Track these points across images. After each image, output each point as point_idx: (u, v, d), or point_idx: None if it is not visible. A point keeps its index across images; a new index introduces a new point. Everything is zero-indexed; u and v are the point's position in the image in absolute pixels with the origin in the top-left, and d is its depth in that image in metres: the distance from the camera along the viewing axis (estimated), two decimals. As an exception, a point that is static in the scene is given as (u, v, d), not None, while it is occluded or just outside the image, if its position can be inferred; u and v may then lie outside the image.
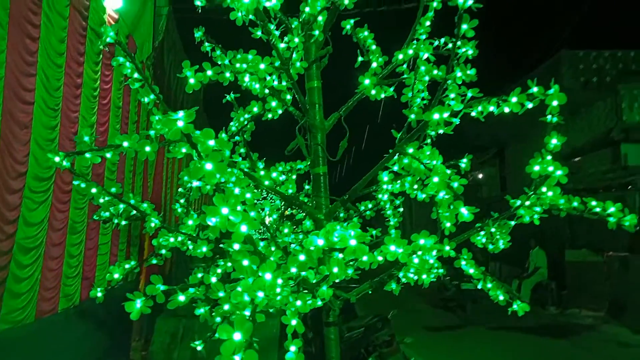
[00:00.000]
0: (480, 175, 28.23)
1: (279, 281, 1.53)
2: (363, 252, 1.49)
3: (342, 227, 1.54)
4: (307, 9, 2.47)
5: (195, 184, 1.54)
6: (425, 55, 2.55)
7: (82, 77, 7.48)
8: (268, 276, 1.49)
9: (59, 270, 7.02)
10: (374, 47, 3.04)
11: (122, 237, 9.83)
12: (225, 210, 1.46)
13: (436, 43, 3.01)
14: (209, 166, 1.43)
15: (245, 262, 1.58)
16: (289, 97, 2.99)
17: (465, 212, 1.97)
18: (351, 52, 3.18)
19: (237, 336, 1.29)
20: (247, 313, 1.47)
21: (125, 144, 2.05)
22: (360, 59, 3.07)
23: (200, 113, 19.02)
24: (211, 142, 1.46)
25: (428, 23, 2.87)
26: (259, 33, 2.51)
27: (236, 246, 1.57)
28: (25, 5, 5.66)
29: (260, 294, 1.43)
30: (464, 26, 2.00)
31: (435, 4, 2.85)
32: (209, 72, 2.24)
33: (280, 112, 3.06)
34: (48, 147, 6.21)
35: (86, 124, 7.80)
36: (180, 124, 1.37)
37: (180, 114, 1.39)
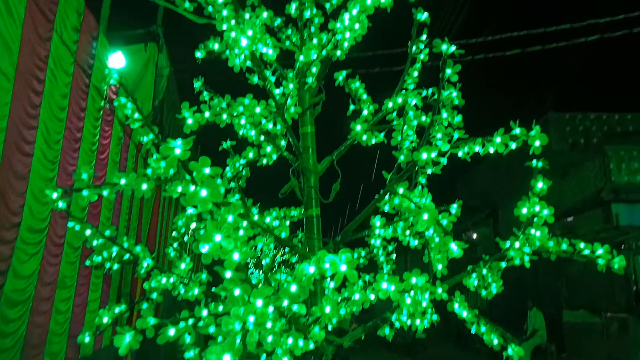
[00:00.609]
0: (475, 236, 28.21)
1: (270, 309, 1.53)
2: (353, 278, 1.51)
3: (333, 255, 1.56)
4: (301, 58, 2.62)
5: (190, 210, 1.57)
6: (414, 102, 2.68)
7: (81, 132, 7.64)
8: (259, 302, 1.49)
9: (46, 326, 6.82)
10: (365, 96, 3.18)
11: (112, 292, 9.62)
12: (218, 237, 1.49)
13: (424, 93, 3.16)
14: (203, 192, 1.48)
15: (237, 292, 1.59)
16: (283, 142, 3.09)
17: (455, 247, 2.00)
18: (343, 99, 3.33)
19: (227, 358, 1.28)
20: (238, 340, 1.47)
21: (123, 181, 2.10)
22: (352, 107, 3.21)
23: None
24: (207, 170, 1.51)
25: (416, 74, 3.03)
26: (255, 79, 2.64)
27: (228, 274, 1.59)
28: (32, 61, 5.90)
29: (252, 319, 1.44)
30: (448, 71, 2.13)
31: (422, 57, 3.02)
32: (207, 114, 2.34)
33: (275, 157, 3.14)
34: (44, 199, 6.24)
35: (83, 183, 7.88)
36: (177, 151, 1.44)
37: (178, 142, 1.45)
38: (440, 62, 2.11)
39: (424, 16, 2.94)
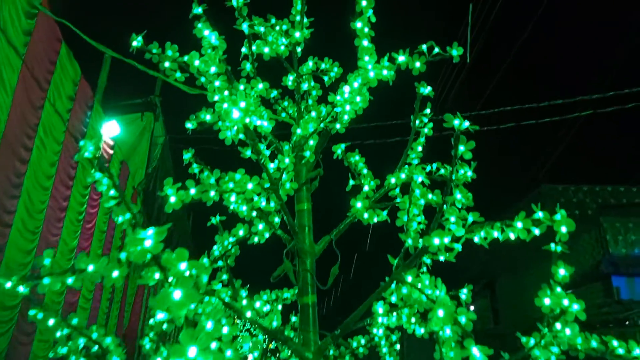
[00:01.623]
0: (472, 307, 27.29)
1: None
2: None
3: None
4: (298, 131, 2.44)
5: (161, 315, 1.28)
6: (420, 179, 2.47)
7: (68, 201, 7.39)
8: None
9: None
10: (365, 170, 2.98)
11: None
12: (192, 352, 1.20)
13: (428, 168, 2.96)
14: (177, 294, 1.20)
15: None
16: (277, 219, 2.84)
17: (477, 353, 1.70)
18: (343, 172, 3.13)
19: None
20: None
21: (91, 267, 1.82)
22: (351, 182, 2.99)
23: (187, 238, 18.74)
24: (182, 266, 1.24)
25: (420, 148, 2.85)
26: (248, 153, 2.44)
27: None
28: (21, 129, 5.75)
29: None
30: (461, 148, 1.93)
31: (426, 130, 2.86)
32: (192, 191, 2.10)
33: (267, 235, 2.88)
34: (20, 271, 5.84)
35: (66, 248, 7.51)
36: (147, 243, 1.18)
37: (150, 231, 1.20)
38: (453, 138, 1.92)
39: (427, 90, 2.81)
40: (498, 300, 23.14)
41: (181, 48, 2.67)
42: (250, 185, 2.27)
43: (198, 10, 2.68)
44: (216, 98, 2.22)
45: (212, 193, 2.16)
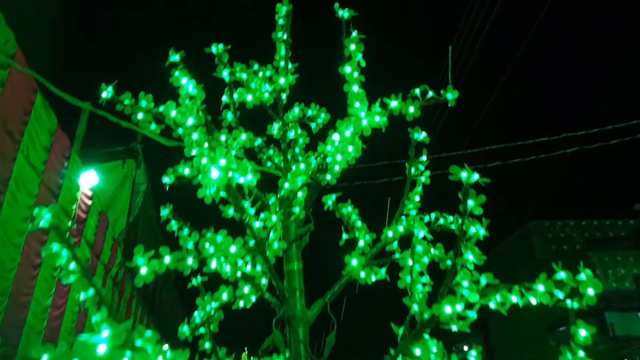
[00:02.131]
0: (465, 348, 26.71)
1: None
2: None
3: None
4: (286, 185, 2.22)
5: None
6: (422, 234, 2.25)
7: (41, 257, 6.97)
8: None
9: None
10: (359, 223, 2.76)
11: None
12: None
13: (427, 218, 2.76)
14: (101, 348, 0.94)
15: None
16: (264, 281, 2.57)
17: None
18: (335, 225, 2.90)
19: None
20: None
21: (45, 358, 1.53)
22: (344, 236, 2.76)
23: (170, 289, 18.05)
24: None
25: (417, 198, 2.65)
26: (230, 212, 2.21)
27: None
28: (-10, 184, 5.44)
29: None
30: (470, 202, 1.73)
31: (423, 179, 2.67)
32: (167, 259, 1.84)
33: (254, 299, 2.60)
34: (-16, 338, 5.39)
35: (39, 307, 7.03)
36: (101, 349, 0.92)
37: (105, 332, 0.94)
38: (462, 192, 1.72)
39: (421, 135, 2.64)
40: (492, 341, 22.62)
41: (160, 98, 2.48)
42: (233, 249, 2.02)
43: (175, 57, 2.51)
44: (194, 152, 2.00)
45: (190, 260, 1.90)
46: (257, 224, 2.19)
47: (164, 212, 2.92)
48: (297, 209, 2.23)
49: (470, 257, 1.83)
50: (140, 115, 2.33)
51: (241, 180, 1.78)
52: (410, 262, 2.34)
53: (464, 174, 1.67)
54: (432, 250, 2.37)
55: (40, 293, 7.01)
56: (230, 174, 1.86)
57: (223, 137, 2.53)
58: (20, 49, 5.83)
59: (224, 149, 1.53)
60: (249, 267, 2.15)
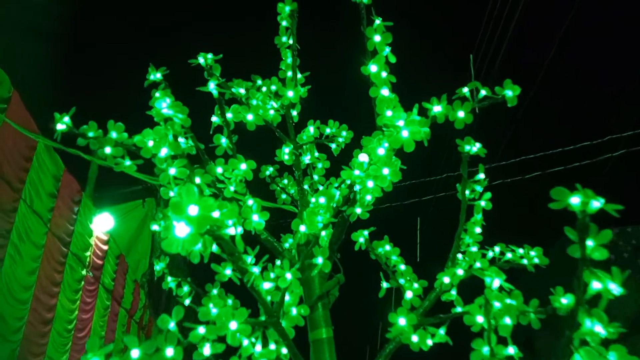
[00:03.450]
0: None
1: None
2: None
3: None
4: (302, 228, 1.63)
5: None
6: (497, 283, 1.61)
7: (53, 311, 6.49)
8: None
9: None
10: (402, 266, 2.13)
11: None
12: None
13: (490, 254, 2.13)
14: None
15: None
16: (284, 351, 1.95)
17: None
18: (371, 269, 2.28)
19: None
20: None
21: None
22: (384, 284, 2.14)
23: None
24: None
25: (478, 230, 2.02)
26: (227, 272, 1.62)
27: None
28: (-14, 239, 5.01)
29: None
30: (589, 243, 1.11)
31: (483, 204, 2.05)
32: (135, 354, 1.26)
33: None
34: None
35: (53, 366, 6.52)
36: None
37: None
38: (576, 229, 1.10)
39: (475, 148, 2.03)
40: (542, 362, 21.18)
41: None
42: (234, 325, 1.42)
43: (156, 76, 1.98)
44: (172, 194, 1.44)
45: (170, 352, 1.31)
46: (267, 285, 1.60)
47: (158, 266, 2.37)
48: (319, 259, 1.63)
49: (599, 329, 1.18)
50: (107, 150, 1.79)
51: (236, 231, 1.20)
52: (480, 319, 1.70)
53: (575, 200, 1.05)
54: (508, 300, 1.73)
55: (54, 350, 6.51)
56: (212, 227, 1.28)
57: (220, 170, 1.97)
58: (17, 93, 5.49)
59: (194, 192, 0.96)
60: (259, 348, 1.54)
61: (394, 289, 2.11)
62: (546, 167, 8.16)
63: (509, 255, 2.16)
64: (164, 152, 1.53)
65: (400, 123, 1.53)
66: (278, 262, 2.24)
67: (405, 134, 1.52)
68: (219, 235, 1.24)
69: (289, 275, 1.55)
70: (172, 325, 1.42)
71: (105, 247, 8.59)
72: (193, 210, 0.96)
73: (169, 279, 2.35)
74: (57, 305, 6.62)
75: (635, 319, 15.47)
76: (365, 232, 2.29)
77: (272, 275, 1.59)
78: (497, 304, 1.54)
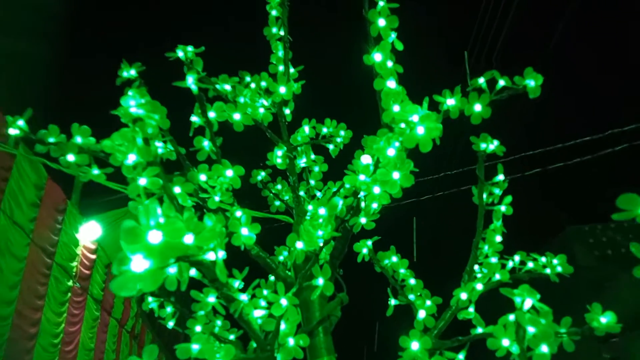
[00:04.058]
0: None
1: None
2: None
3: None
4: (299, 245, 1.38)
5: None
6: (529, 303, 1.37)
7: (38, 325, 6.19)
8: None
9: None
10: (412, 280, 1.90)
11: None
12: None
13: (510, 264, 1.90)
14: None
15: None
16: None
17: None
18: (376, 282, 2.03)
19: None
20: None
21: None
22: (392, 302, 1.90)
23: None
24: None
25: (499, 238, 1.79)
26: (211, 299, 1.37)
27: None
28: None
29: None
30: None
31: (503, 208, 1.81)
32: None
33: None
34: None
35: (39, 383, 6.21)
36: None
37: None
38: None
39: (492, 146, 1.80)
40: None
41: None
42: (220, 366, 1.17)
43: (130, 73, 1.73)
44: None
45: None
46: (258, 313, 1.36)
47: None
48: (320, 281, 1.38)
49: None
50: (70, 157, 1.54)
51: (211, 256, 0.96)
52: (506, 342, 1.47)
53: None
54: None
55: (39, 367, 6.21)
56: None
57: (203, 177, 1.72)
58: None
59: (156, 212, 0.71)
60: (251, 389, 1.30)
61: (404, 307, 1.87)
62: (546, 163, 7.97)
63: (530, 264, 1.93)
64: (132, 158, 1.29)
65: (415, 118, 1.29)
66: (272, 278, 2.00)
67: (420, 130, 1.28)
68: (196, 261, 0.99)
69: (284, 302, 1.30)
70: (145, 368, 1.17)
71: (93, 257, 8.29)
72: (155, 237, 0.72)
73: (150, 299, 2.09)
74: (41, 319, 6.32)
75: (634, 315, 15.36)
76: (369, 242, 2.05)
77: (262, 302, 1.35)
78: (531, 329, 1.30)
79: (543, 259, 1.94)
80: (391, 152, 1.32)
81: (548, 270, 1.93)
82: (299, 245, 1.36)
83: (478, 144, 1.83)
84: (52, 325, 6.70)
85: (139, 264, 0.71)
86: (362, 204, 1.58)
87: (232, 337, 1.83)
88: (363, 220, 1.61)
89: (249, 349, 1.84)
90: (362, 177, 1.41)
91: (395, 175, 1.38)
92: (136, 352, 11.18)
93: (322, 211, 1.44)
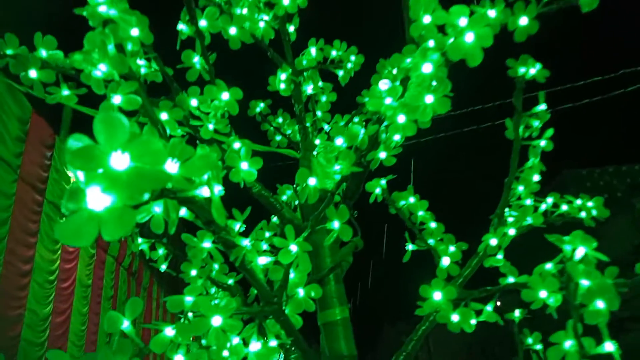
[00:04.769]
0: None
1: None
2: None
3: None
4: (312, 182, 1.15)
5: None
6: (581, 251, 1.17)
7: (32, 262, 6.09)
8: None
9: None
10: (433, 224, 1.69)
11: None
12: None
13: (543, 207, 1.70)
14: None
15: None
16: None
17: None
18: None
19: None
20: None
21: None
22: (410, 247, 1.71)
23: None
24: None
25: (536, 177, 1.57)
26: (206, 244, 1.16)
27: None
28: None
29: None
30: None
31: (543, 143, 1.58)
32: None
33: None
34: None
35: (37, 318, 6.21)
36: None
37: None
38: None
39: (533, 70, 1.53)
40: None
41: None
42: (217, 321, 0.98)
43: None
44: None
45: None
46: (263, 261, 1.15)
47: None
48: (336, 224, 1.17)
49: None
50: (33, 73, 1.27)
51: (205, 192, 0.73)
52: (543, 294, 1.30)
53: None
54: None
55: (35, 302, 6.18)
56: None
57: (194, 102, 1.46)
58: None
59: (123, 123, 0.47)
60: (255, 346, 1.11)
61: (423, 252, 1.68)
62: (555, 104, 7.66)
63: (564, 207, 1.73)
64: (101, 69, 1.02)
65: (463, 22, 1.02)
66: (275, 219, 1.79)
67: (469, 38, 1.01)
68: (185, 198, 0.76)
69: (294, 248, 1.09)
70: (126, 325, 0.97)
71: (86, 194, 8.09)
72: (119, 161, 0.48)
73: (139, 239, 1.90)
74: (35, 257, 6.21)
75: (628, 256, 15.65)
76: (383, 181, 1.83)
77: (264, 245, 1.14)
78: (584, 282, 1.11)
79: (578, 202, 1.74)
80: (428, 67, 1.06)
81: (583, 214, 1.74)
82: (312, 182, 1.13)
83: (516, 68, 1.56)
84: (46, 262, 6.61)
85: (97, 198, 0.48)
86: (384, 136, 1.34)
87: (230, 281, 1.66)
88: (382, 154, 1.37)
89: (250, 295, 1.66)
90: (388, 100, 1.16)
91: (429, 98, 1.13)
92: (134, 289, 11.31)
93: (339, 141, 1.21)
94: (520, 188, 1.58)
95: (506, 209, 1.60)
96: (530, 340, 1.75)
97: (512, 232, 1.50)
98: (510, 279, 1.49)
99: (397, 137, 1.35)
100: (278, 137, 2.24)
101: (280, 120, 2.24)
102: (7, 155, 5.50)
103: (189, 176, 0.67)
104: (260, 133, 2.30)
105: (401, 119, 1.25)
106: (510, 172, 1.56)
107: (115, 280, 10.18)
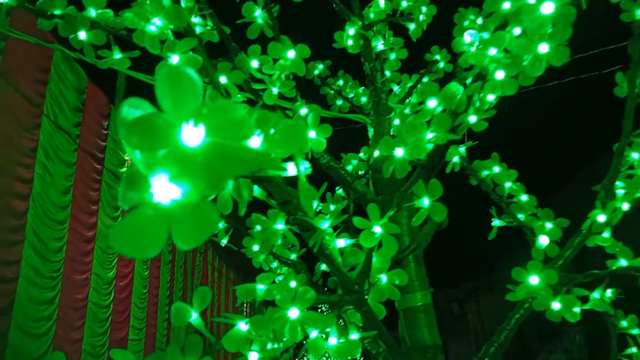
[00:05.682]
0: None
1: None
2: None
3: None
4: (399, 153, 0.98)
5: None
6: None
7: (95, 229, 6.33)
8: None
9: None
10: (524, 197, 1.49)
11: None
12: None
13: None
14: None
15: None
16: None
17: None
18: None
19: None
20: None
21: None
22: (496, 222, 1.52)
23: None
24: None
25: None
26: (279, 226, 1.02)
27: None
28: (9, 158, 4.63)
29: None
30: None
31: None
32: None
33: None
34: (37, 330, 4.83)
35: (101, 282, 6.51)
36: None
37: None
38: None
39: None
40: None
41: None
42: (294, 313, 0.86)
43: None
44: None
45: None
46: (341, 243, 1.01)
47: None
48: (425, 202, 1.00)
49: None
50: (82, 35, 1.15)
51: (290, 169, 0.58)
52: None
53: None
54: None
55: (100, 267, 6.46)
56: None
57: (255, 63, 1.31)
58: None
59: (195, 81, 0.33)
60: (333, 340, 0.99)
61: (511, 229, 1.49)
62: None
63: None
64: (156, 24, 0.88)
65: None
66: (339, 191, 1.64)
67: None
68: (261, 177, 0.62)
69: (378, 229, 0.94)
70: (194, 316, 0.86)
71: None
72: (192, 136, 0.33)
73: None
74: (97, 223, 6.45)
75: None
76: (462, 149, 1.62)
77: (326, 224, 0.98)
78: None
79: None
80: (548, 7, 0.85)
81: None
82: (399, 152, 0.96)
83: (633, 12, 1.30)
84: (108, 229, 6.86)
85: (164, 190, 0.34)
86: (476, 96, 1.13)
87: (293, 256, 1.54)
88: (472, 118, 1.17)
89: (317, 272, 1.54)
90: (492, 51, 0.95)
91: (543, 47, 0.92)
92: (191, 254, 11.68)
93: (432, 103, 1.02)
94: (635, 155, 1.34)
95: (619, 185, 1.37)
96: (624, 324, 1.55)
97: (625, 206, 1.28)
98: (623, 262, 1.28)
99: (491, 97, 1.15)
100: (339, 102, 2.06)
101: (341, 82, 2.06)
102: (66, 125, 5.63)
103: (273, 151, 0.52)
104: (319, 98, 2.14)
105: (499, 74, 1.04)
106: (622, 136, 1.32)
107: (173, 245, 10.54)
